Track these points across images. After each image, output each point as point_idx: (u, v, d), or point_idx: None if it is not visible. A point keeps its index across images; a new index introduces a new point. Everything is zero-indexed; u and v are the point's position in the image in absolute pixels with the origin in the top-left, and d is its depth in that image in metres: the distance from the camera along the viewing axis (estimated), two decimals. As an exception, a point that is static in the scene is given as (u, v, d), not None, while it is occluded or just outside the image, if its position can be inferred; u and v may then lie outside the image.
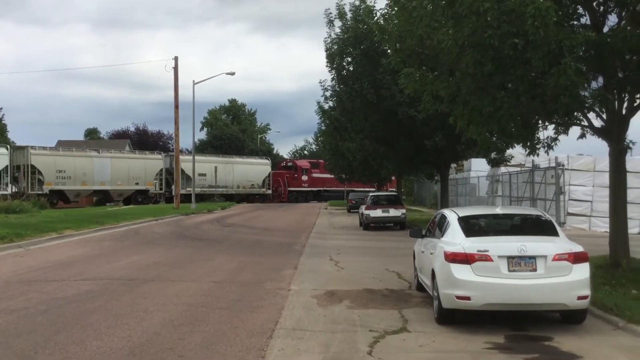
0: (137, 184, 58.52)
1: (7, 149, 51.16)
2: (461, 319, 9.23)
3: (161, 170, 60.89)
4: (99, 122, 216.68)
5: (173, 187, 55.46)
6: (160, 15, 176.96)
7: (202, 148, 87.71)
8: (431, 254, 10.20)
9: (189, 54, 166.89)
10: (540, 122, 13.63)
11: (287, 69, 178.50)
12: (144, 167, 59.45)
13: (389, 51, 19.62)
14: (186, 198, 55.15)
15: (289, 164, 79.65)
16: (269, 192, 72.99)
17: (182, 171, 55.92)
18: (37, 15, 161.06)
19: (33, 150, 52.04)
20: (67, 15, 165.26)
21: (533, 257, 8.84)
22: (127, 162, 58.12)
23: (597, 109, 12.65)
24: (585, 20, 12.40)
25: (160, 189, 60.90)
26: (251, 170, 69.81)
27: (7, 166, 49.59)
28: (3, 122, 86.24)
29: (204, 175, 63.78)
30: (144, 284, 12.90)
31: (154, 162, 61.13)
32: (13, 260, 16.81)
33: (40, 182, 51.58)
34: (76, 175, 53.53)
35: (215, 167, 63.02)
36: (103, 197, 57.52)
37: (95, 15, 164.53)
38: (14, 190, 49.66)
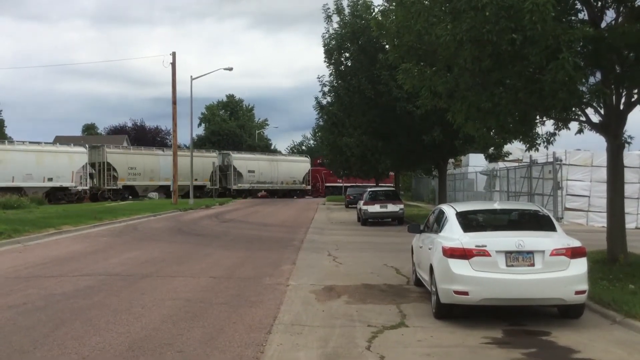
0: (196, 179, 61.06)
1: (85, 147, 55.13)
2: (459, 313, 9.26)
3: (217, 167, 66.44)
4: (97, 118, 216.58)
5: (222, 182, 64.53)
6: (158, 11, 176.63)
7: (200, 144, 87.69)
8: (429, 249, 10.22)
9: (186, 50, 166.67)
10: (538, 117, 13.64)
11: (285, 65, 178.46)
12: (202, 164, 63.63)
13: (387, 47, 19.59)
14: (238, 194, 64.73)
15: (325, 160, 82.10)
16: (309, 187, 77.99)
17: (234, 168, 65.73)
18: (35, 11, 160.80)
19: (108, 149, 57.43)
20: (64, 11, 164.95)
21: (531, 252, 8.86)
22: (187, 160, 59.69)
23: (594, 104, 12.67)
24: (583, 15, 12.41)
25: (214, 185, 66.32)
26: (293, 167, 73.91)
27: (86, 163, 53.92)
28: (1, 117, 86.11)
29: (253, 172, 69.60)
30: (142, 280, 12.91)
31: (209, 159, 66.38)
32: (11, 256, 16.81)
33: (115, 178, 56.91)
34: (145, 172, 58.91)
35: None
36: (168, 193, 58.96)
37: (93, 11, 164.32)
38: (90, 185, 54.68)
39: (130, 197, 57.49)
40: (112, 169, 57.05)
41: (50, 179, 49.65)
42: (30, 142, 52.60)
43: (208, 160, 65.96)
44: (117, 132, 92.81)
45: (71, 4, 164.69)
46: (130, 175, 58.35)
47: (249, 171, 69.05)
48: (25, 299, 10.78)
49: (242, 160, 67.96)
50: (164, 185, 59.27)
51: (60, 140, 67.05)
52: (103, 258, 16.52)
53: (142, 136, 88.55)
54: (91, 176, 55.40)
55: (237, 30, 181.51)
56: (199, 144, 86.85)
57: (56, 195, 50.61)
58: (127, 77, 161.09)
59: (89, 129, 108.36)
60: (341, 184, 74.67)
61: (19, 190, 46.57)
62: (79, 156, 53.69)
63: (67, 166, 51.89)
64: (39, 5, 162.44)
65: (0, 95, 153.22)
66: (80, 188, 53.11)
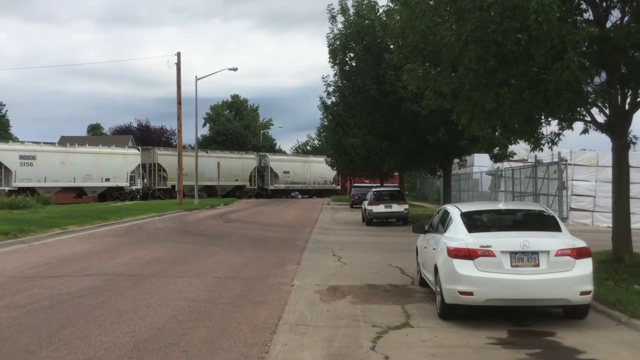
0: (236, 180, 68.77)
1: (138, 149, 60.68)
2: (464, 314, 9.25)
3: (255, 168, 71.22)
4: (102, 118, 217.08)
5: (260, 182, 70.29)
6: (165, 12, 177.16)
7: (205, 144, 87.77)
8: (434, 249, 10.21)
9: (193, 50, 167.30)
10: (543, 117, 13.61)
11: (290, 65, 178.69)
12: (242, 166, 69.58)
13: (391, 47, 19.57)
14: (274, 194, 69.85)
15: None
16: (338, 187, 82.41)
17: (271, 169, 70.85)
18: (43, 12, 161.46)
19: (159, 151, 62.25)
20: (72, 12, 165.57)
21: (536, 253, 8.84)
22: (229, 162, 68.34)
23: (600, 105, 12.63)
24: (588, 15, 12.37)
25: (253, 185, 71.51)
26: (324, 168, 75.26)
27: (139, 164, 58.69)
28: (6, 117, 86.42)
29: (288, 172, 74.64)
30: (147, 280, 12.94)
31: (249, 161, 71.50)
32: (17, 256, 16.87)
33: (164, 179, 61.08)
34: (191, 172, 58.88)
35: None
36: (210, 192, 66.28)
37: (100, 12, 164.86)
38: (142, 185, 59.26)
39: (174, 195, 59.38)
40: (162, 169, 61.05)
41: (107, 179, 53.10)
42: (89, 145, 57.38)
43: (248, 162, 70.58)
44: (122, 132, 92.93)
45: (79, 5, 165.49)
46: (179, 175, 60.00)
47: (284, 172, 73.51)
48: (31, 298, 10.82)
49: (278, 162, 73.62)
50: (208, 185, 64.76)
51: (65, 140, 67.50)
52: (108, 258, 16.56)
53: (147, 136, 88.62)
54: (142, 177, 59.95)
55: (243, 31, 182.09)
56: (204, 144, 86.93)
57: (112, 194, 54.69)
58: (133, 78, 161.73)
59: (94, 129, 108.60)
60: (368, 184, 76.58)
61: (79, 189, 52.41)
62: (133, 158, 58.44)
63: (122, 167, 56.18)
64: (47, 6, 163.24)
65: (7, 95, 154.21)
66: (134, 188, 57.42)
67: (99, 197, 53.74)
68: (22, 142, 53.33)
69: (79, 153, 52.46)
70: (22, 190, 45.79)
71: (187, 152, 61.11)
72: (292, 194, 75.08)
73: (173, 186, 59.21)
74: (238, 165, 69.45)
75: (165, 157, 61.60)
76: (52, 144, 55.10)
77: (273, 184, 72.69)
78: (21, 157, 48.45)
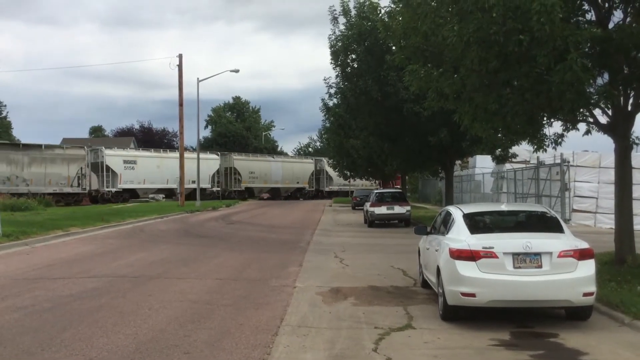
0: (298, 182, 75.96)
1: (218, 154, 67.87)
2: (466, 315, 9.23)
3: (312, 172, 77.68)
4: (105, 120, 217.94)
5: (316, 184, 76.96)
6: (169, 14, 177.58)
7: (207, 145, 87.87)
8: (436, 250, 10.19)
9: (197, 52, 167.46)
10: (545, 118, 13.59)
11: (293, 67, 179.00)
12: (302, 169, 76.78)
13: (393, 48, 19.56)
14: (329, 195, 74.91)
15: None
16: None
17: (326, 172, 76.47)
18: (47, 14, 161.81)
19: (235, 156, 69.74)
20: (76, 14, 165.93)
21: (538, 254, 8.82)
22: (292, 165, 76.62)
23: (602, 105, 12.61)
24: (591, 16, 12.36)
25: (311, 187, 78.54)
26: None
27: (219, 168, 66.35)
28: (8, 119, 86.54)
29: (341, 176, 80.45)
30: (149, 282, 12.93)
31: (308, 165, 78.73)
32: (19, 258, 16.87)
33: (239, 181, 68.85)
34: (261, 175, 71.14)
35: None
36: (275, 194, 74.66)
37: (104, 14, 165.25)
38: (221, 187, 66.83)
39: (247, 196, 69.59)
40: (237, 172, 68.66)
41: (193, 182, 56.56)
42: (177, 150, 61.49)
43: (307, 166, 77.80)
44: (124, 134, 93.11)
45: (83, 7, 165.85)
46: (250, 178, 70.44)
47: (338, 175, 76.75)
48: (33, 300, 10.82)
49: (332, 166, 78.21)
50: (274, 187, 73.17)
51: (67, 142, 67.92)
52: (110, 260, 16.56)
53: (149, 138, 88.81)
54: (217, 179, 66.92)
55: (247, 33, 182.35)
56: (206, 146, 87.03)
57: (195, 195, 57.44)
58: (136, 80, 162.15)
59: (96, 131, 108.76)
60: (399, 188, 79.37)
61: (170, 191, 58.94)
62: (214, 162, 65.64)
63: (206, 170, 61.06)
64: (51, 9, 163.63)
65: (10, 97, 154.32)
66: (214, 189, 64.95)
67: (185, 198, 56.61)
68: (125, 148, 61.46)
69: (170, 158, 58.44)
70: (125, 191, 55.02)
71: (256, 157, 73.19)
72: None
73: (247, 188, 69.81)
74: (299, 169, 76.44)
75: (240, 162, 69.36)
76: (149, 150, 62.73)
77: (328, 186, 78.11)
78: (125, 161, 55.06)
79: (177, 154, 58.18)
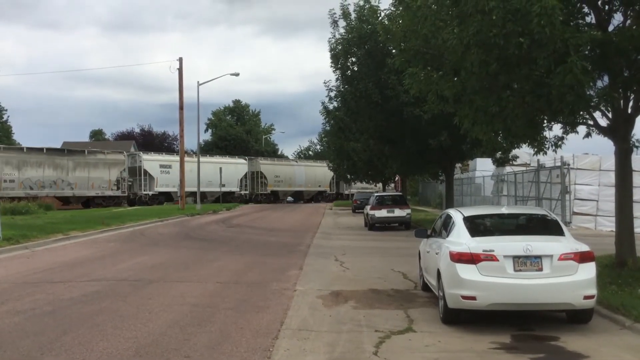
0: (319, 186, 79.35)
1: (245, 159, 71.22)
2: (467, 318, 9.22)
3: (333, 176, 77.85)
4: (106, 123, 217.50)
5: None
6: (171, 18, 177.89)
7: (207, 149, 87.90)
8: (436, 254, 10.18)
9: (198, 56, 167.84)
10: (545, 121, 13.59)
11: (294, 71, 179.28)
12: (323, 173, 77.74)
13: (393, 51, 19.58)
14: (348, 198, 74.97)
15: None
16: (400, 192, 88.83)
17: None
18: (49, 19, 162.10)
19: (261, 160, 73.24)
20: (78, 19, 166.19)
21: (539, 257, 8.81)
22: (314, 169, 79.19)
23: (602, 108, 12.61)
24: (591, 19, 12.37)
25: (332, 190, 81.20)
26: None
27: (246, 172, 69.97)
28: (8, 123, 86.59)
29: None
30: (149, 285, 12.92)
31: (329, 169, 77.11)
32: (19, 262, 16.86)
33: (265, 185, 71.83)
34: (285, 179, 74.25)
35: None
36: (298, 197, 78.12)
37: (106, 19, 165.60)
38: (248, 190, 70.53)
39: (273, 199, 72.77)
40: (264, 176, 71.70)
41: (223, 185, 60.79)
42: (209, 155, 70.59)
43: (328, 171, 75.68)
44: (124, 137, 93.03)
45: (85, 12, 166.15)
46: (276, 182, 73.50)
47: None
48: (33, 304, 10.81)
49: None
50: (298, 191, 76.43)
51: (67, 145, 68.04)
52: (110, 263, 16.55)
53: (150, 142, 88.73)
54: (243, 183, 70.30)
55: (248, 37, 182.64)
56: (207, 149, 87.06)
57: (226, 198, 63.30)
58: (137, 84, 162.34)
59: (97, 135, 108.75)
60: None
61: (202, 194, 58.20)
62: (242, 166, 69.73)
63: (234, 174, 67.06)
64: (53, 13, 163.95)
65: (11, 101, 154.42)
66: (242, 192, 68.63)
67: (215, 200, 62.12)
68: (160, 153, 64.48)
69: (203, 163, 58.92)
70: (160, 194, 58.38)
71: (281, 162, 76.57)
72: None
73: (272, 191, 72.79)
74: (320, 173, 78.03)
75: (266, 166, 72.74)
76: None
77: (347, 190, 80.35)
78: (161, 166, 57.62)
79: (208, 159, 65.29)
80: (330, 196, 79.73)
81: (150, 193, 58.26)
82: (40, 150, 51.68)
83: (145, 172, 57.16)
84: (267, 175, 72.44)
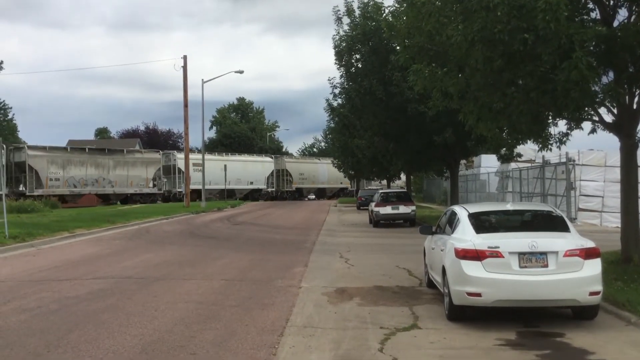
0: (341, 183, 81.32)
1: (272, 157, 74.03)
2: (472, 315, 9.21)
3: (354, 173, 79.66)
4: (111, 121, 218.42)
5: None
6: (176, 17, 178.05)
7: (212, 146, 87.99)
8: (441, 250, 10.17)
9: (203, 54, 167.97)
10: (550, 117, 13.55)
11: (299, 68, 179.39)
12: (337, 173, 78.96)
13: (397, 48, 19.54)
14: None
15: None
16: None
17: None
18: (55, 18, 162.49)
19: (286, 158, 77.55)
20: (83, 18, 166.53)
21: (544, 253, 8.79)
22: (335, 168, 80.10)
23: (608, 104, 12.57)
24: (595, 14, 12.31)
25: (352, 187, 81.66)
26: None
27: (273, 170, 72.25)
28: (13, 121, 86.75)
29: None
30: (155, 283, 12.95)
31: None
32: (25, 260, 16.92)
33: (290, 182, 74.65)
34: (309, 177, 77.50)
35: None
36: (321, 194, 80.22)
37: (112, 18, 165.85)
38: (275, 188, 72.96)
39: (297, 196, 75.25)
40: (289, 174, 74.38)
41: (251, 183, 65.22)
42: (239, 154, 71.81)
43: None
44: (129, 135, 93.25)
45: (90, 11, 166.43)
46: (300, 179, 76.15)
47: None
48: (39, 302, 10.85)
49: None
50: (320, 188, 79.14)
51: (72, 143, 68.37)
52: (116, 261, 16.60)
53: (155, 139, 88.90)
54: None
55: (253, 35, 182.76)
56: (211, 146, 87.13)
57: (253, 195, 68.02)
58: (142, 82, 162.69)
59: (102, 133, 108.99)
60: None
61: (231, 191, 64.55)
62: (269, 164, 72.23)
63: (261, 172, 70.14)
64: (58, 13, 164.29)
65: (17, 99, 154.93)
66: (269, 190, 71.19)
67: (243, 197, 65.83)
68: (192, 152, 63.70)
69: (232, 161, 64.19)
70: (193, 192, 56.31)
71: (305, 160, 79.23)
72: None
73: (297, 188, 75.59)
74: (335, 170, 79.97)
75: (291, 164, 75.71)
76: (213, 153, 68.35)
77: (366, 186, 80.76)
78: (194, 164, 56.67)
79: (236, 157, 68.32)
80: (351, 193, 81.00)
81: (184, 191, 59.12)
82: (82, 149, 54.95)
83: (179, 170, 57.92)
84: (292, 173, 74.90)
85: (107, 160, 54.70)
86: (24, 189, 48.44)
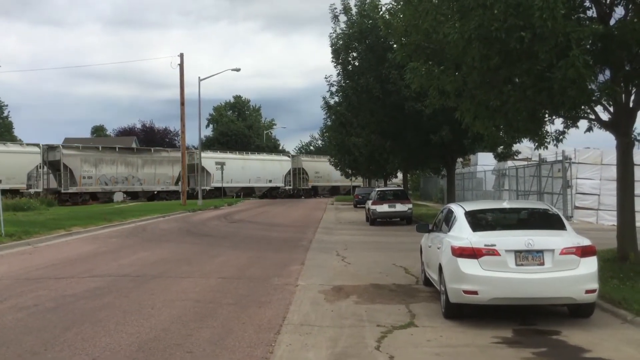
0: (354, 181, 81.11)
1: (289, 156, 78.01)
2: (469, 313, 9.22)
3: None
4: (108, 119, 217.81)
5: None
6: (174, 15, 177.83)
7: (208, 144, 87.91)
8: (438, 248, 10.18)
9: (201, 52, 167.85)
10: (547, 115, 13.57)
11: (296, 66, 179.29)
12: None
13: (394, 46, 19.54)
14: None
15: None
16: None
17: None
18: (52, 15, 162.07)
19: (303, 157, 79.42)
20: (81, 15, 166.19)
21: (540, 251, 8.81)
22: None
23: (604, 102, 12.59)
24: (592, 13, 12.33)
25: (365, 185, 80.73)
26: None
27: (290, 169, 75.07)
28: (9, 119, 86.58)
29: None
30: (152, 281, 12.95)
31: None
32: (22, 258, 16.90)
33: (306, 180, 76.93)
34: (324, 175, 78.02)
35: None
36: (334, 191, 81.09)
37: (109, 15, 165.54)
38: (292, 186, 75.78)
39: (313, 194, 77.18)
40: (305, 173, 76.61)
41: (270, 181, 67.27)
42: (258, 153, 75.63)
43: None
44: (125, 133, 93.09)
45: (88, 9, 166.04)
46: (316, 178, 78.15)
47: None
48: (36, 300, 10.84)
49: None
50: (334, 186, 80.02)
51: (69, 141, 68.39)
52: (113, 259, 16.58)
53: (151, 137, 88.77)
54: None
55: (250, 32, 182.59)
56: (208, 144, 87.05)
57: (272, 193, 70.61)
58: (139, 80, 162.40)
59: (98, 131, 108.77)
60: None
61: (251, 189, 68.06)
62: (286, 163, 75.14)
63: (279, 171, 72.55)
64: (56, 10, 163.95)
65: (13, 97, 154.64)
66: (287, 188, 73.91)
67: (262, 195, 68.60)
68: (215, 151, 68.59)
69: (251, 160, 66.97)
70: (216, 189, 62.19)
71: (320, 159, 77.52)
72: None
73: (313, 187, 77.79)
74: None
75: (307, 163, 77.64)
76: (233, 152, 71.06)
77: (378, 184, 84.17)
78: (216, 163, 60.12)
79: (256, 156, 71.30)
80: None
81: (208, 188, 61.11)
82: (113, 149, 57.28)
83: (203, 168, 58.55)
84: (308, 171, 77.01)
85: (135, 159, 56.94)
86: (58, 186, 50.63)
